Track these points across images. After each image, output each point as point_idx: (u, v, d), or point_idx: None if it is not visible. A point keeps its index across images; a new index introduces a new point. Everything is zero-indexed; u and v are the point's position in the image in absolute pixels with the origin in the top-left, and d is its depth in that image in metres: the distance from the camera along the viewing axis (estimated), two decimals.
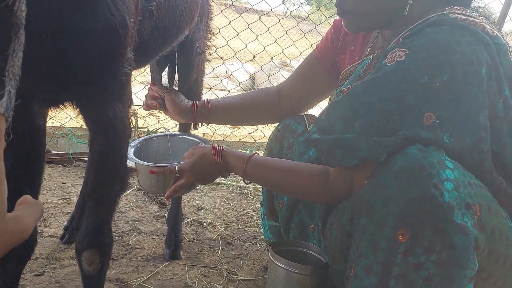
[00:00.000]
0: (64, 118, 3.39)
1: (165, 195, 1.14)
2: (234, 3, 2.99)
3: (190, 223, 1.76)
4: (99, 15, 0.75)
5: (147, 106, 1.34)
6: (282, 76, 4.54)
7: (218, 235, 1.68)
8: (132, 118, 2.55)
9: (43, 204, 1.74)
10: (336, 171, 0.97)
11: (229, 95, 2.86)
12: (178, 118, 1.37)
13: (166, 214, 1.80)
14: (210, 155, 1.09)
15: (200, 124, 1.38)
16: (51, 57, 0.75)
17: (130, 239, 1.55)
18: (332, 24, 1.27)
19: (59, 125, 2.59)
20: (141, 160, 1.25)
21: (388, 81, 0.84)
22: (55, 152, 2.33)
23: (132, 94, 1.09)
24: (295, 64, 4.96)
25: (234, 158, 1.10)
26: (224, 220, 1.83)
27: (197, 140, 1.38)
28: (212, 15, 1.57)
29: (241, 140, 2.71)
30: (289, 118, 1.37)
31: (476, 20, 0.84)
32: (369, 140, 0.84)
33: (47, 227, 1.57)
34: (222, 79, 3.62)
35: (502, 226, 0.82)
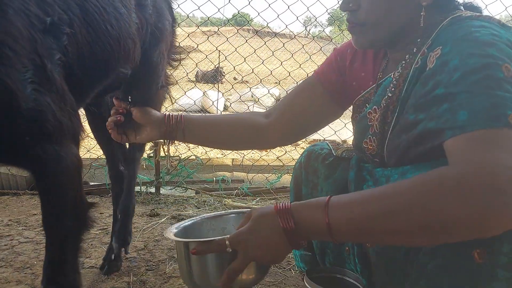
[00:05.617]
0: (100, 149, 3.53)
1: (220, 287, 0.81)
2: (257, 30, 3.07)
3: None
4: None
5: (111, 123, 1.16)
6: None
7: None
8: (164, 146, 2.63)
9: None
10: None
11: None
12: (145, 133, 1.17)
13: None
14: (273, 216, 0.76)
15: (174, 141, 1.21)
16: None
17: (166, 268, 1.58)
18: (334, 50, 1.22)
19: (95, 156, 2.69)
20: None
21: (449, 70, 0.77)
22: (92, 183, 2.42)
23: None
24: None
25: (305, 210, 0.76)
26: None
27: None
28: (174, 49, 1.58)
29: (270, 164, 2.74)
30: (311, 145, 1.36)
31: (489, 16, 0.85)
32: None
33: (87, 257, 1.63)
34: (249, 105, 3.67)
35: None
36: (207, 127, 1.21)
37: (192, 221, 1.07)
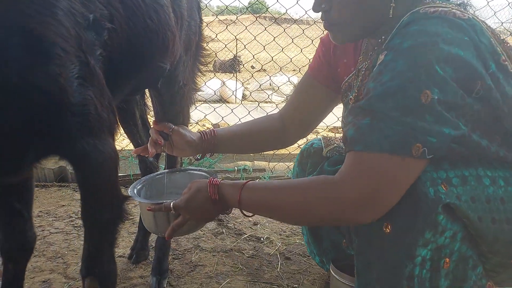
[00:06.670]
0: (122, 140, 3.59)
1: (165, 235, 1.04)
2: (276, 18, 3.04)
3: (248, 238, 1.80)
4: (34, 73, 0.80)
5: (153, 143, 1.26)
6: None
7: (276, 250, 1.70)
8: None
9: None
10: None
11: (274, 110, 2.90)
12: (183, 153, 1.31)
13: (224, 231, 1.85)
14: (206, 189, 0.99)
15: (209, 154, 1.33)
16: None
17: (192, 257, 1.61)
18: (320, 41, 1.27)
19: (119, 148, 2.74)
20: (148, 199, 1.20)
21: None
22: None
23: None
24: None
25: (228, 188, 0.97)
26: (280, 235, 1.85)
27: (204, 173, 1.31)
28: (202, 50, 1.55)
29: (291, 153, 2.73)
30: (306, 143, 1.40)
31: (446, 9, 0.82)
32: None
33: (115, 247, 1.67)
34: (268, 93, 3.65)
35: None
36: (234, 139, 1.32)
37: (153, 175, 1.35)
